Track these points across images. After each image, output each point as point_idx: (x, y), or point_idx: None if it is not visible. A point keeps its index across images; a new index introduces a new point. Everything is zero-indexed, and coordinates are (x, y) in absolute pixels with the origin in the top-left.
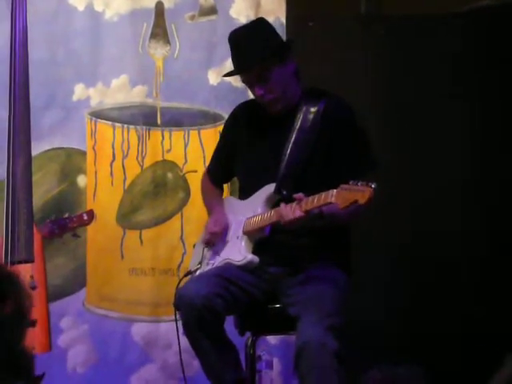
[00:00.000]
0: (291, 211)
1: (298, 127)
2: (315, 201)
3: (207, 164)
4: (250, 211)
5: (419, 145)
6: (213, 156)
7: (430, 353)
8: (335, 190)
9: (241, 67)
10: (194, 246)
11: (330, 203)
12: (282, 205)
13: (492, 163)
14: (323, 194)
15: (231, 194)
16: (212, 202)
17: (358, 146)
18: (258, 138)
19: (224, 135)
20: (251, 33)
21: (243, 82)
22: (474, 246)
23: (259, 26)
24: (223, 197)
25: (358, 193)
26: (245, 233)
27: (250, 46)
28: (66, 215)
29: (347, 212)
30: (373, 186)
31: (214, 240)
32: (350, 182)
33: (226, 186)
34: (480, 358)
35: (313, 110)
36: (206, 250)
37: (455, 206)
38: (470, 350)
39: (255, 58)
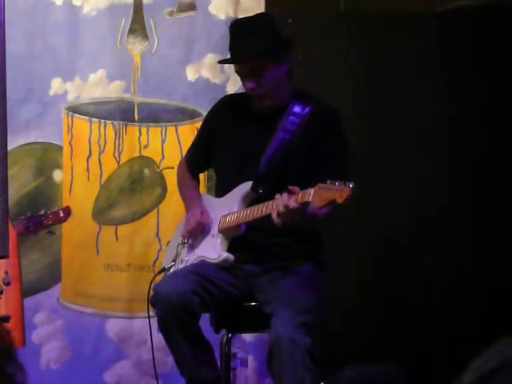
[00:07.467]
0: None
1: (282, 128)
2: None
3: None
4: (225, 209)
5: (400, 143)
6: (192, 143)
7: (407, 352)
8: (313, 189)
9: (236, 58)
10: (167, 243)
11: (308, 202)
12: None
13: (472, 162)
14: (300, 193)
15: (208, 190)
16: (192, 194)
17: (338, 153)
18: (241, 134)
19: (206, 124)
20: (254, 26)
21: (236, 71)
22: (443, 249)
23: (264, 21)
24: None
25: (336, 192)
26: (220, 231)
27: (250, 39)
28: (42, 212)
29: (325, 213)
30: (351, 185)
31: (199, 230)
32: (328, 182)
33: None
34: (455, 356)
35: (299, 112)
36: (180, 247)
37: (436, 207)
38: (444, 348)
39: (252, 52)
